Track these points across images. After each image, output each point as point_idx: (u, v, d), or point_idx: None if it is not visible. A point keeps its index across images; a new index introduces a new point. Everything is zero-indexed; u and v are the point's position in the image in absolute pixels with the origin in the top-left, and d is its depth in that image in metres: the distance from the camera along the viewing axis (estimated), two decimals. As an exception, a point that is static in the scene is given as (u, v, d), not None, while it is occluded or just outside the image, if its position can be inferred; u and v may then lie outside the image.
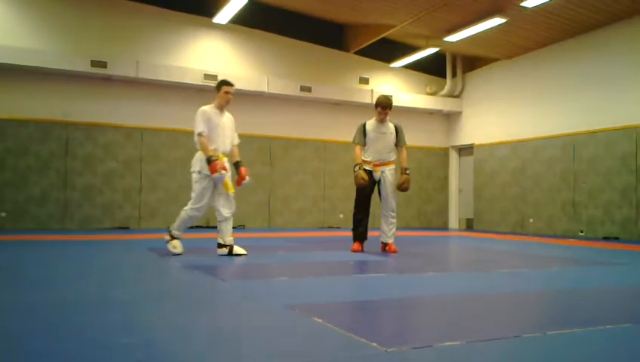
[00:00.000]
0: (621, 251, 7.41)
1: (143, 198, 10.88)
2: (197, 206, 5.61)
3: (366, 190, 6.30)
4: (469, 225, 13.52)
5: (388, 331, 2.59)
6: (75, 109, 10.40)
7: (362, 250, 6.37)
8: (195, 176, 5.61)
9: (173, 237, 5.71)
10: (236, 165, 5.85)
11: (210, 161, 5.39)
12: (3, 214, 9.79)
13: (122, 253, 6.24)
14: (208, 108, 5.67)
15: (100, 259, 5.63)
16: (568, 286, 4.24)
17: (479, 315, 3.03)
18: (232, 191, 5.65)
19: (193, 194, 5.62)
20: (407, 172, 6.39)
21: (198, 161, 5.59)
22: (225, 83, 5.74)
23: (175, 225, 5.74)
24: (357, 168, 6.24)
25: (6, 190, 9.84)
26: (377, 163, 6.30)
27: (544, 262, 5.92)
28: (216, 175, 5.41)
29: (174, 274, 4.56)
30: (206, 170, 5.46)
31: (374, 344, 2.22)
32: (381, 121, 6.31)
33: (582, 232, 10.41)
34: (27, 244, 6.98)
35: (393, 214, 6.37)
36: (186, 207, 5.66)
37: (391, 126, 6.38)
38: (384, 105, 6.25)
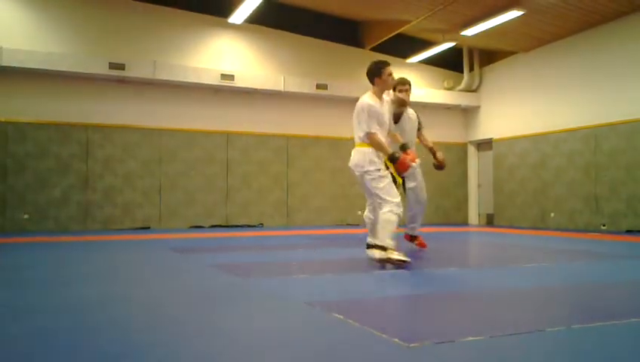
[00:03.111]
0: (645, 244, 7.29)
1: (162, 198, 10.97)
2: (396, 201, 4.68)
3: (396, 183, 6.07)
4: (490, 221, 13.39)
5: (409, 327, 2.57)
6: (94, 111, 10.52)
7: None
8: (372, 174, 4.78)
9: (386, 249, 4.66)
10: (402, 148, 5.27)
11: (395, 158, 4.76)
12: (25, 216, 9.94)
13: (144, 252, 6.29)
14: (372, 100, 4.92)
15: (123, 259, 5.68)
16: (592, 280, 4.17)
17: (502, 310, 3.00)
18: (399, 180, 5.18)
19: (382, 195, 4.71)
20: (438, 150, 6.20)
21: (368, 161, 4.82)
22: (385, 63, 4.91)
23: (381, 236, 4.69)
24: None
25: (27, 192, 9.98)
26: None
27: (567, 256, 5.84)
28: (408, 172, 4.97)
29: (195, 272, 4.58)
30: (379, 165, 4.79)
31: (396, 339, 2.21)
32: (404, 104, 5.97)
33: (604, 226, 10.24)
34: (49, 246, 7.07)
35: (425, 204, 6.19)
36: (385, 210, 4.67)
37: (411, 111, 6.19)
38: (404, 82, 5.96)
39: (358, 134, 5.00)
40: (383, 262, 4.66)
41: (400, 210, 4.68)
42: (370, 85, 5.00)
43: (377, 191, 4.77)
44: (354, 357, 2.05)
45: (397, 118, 5.90)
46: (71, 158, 10.34)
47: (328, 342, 2.27)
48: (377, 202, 4.82)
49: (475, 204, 13.92)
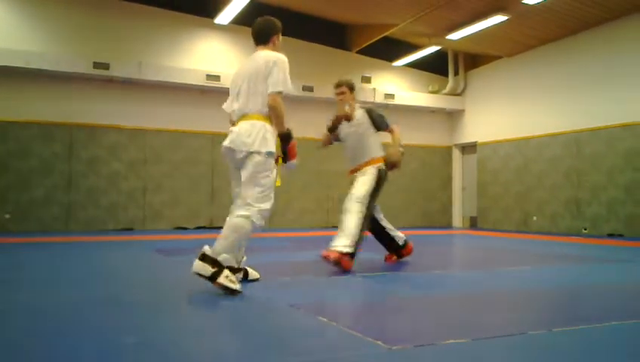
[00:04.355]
0: (626, 248, 7.40)
1: (147, 200, 10.90)
2: (266, 209, 3.61)
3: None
4: (473, 224, 13.50)
5: (393, 329, 2.59)
6: (79, 111, 10.43)
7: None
8: (266, 161, 3.59)
9: (221, 268, 3.41)
10: None
11: (290, 137, 3.82)
12: (7, 216, 9.82)
13: (129, 254, 6.25)
14: None
15: (107, 260, 5.64)
16: (573, 283, 4.23)
17: (484, 313, 3.03)
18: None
19: (259, 195, 3.55)
20: (401, 149, 4.96)
21: (266, 139, 3.63)
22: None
23: (224, 245, 3.49)
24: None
25: (9, 192, 9.86)
26: (353, 169, 5.17)
27: (548, 259, 5.91)
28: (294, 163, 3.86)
29: (179, 275, 4.56)
30: (275, 151, 3.68)
31: (379, 342, 2.22)
32: (347, 115, 4.99)
33: (585, 229, 10.38)
34: (32, 246, 7.00)
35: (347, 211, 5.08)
36: (245, 214, 3.49)
37: (359, 115, 4.99)
38: (335, 86, 5.06)
39: (258, 99, 3.67)
40: (211, 281, 3.34)
41: (262, 223, 3.53)
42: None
43: (259, 187, 3.48)
44: (336, 359, 2.06)
45: (334, 127, 5.20)
46: (54, 158, 10.23)
47: (312, 344, 2.28)
48: (243, 200, 3.51)
49: (459, 207, 14.02)
